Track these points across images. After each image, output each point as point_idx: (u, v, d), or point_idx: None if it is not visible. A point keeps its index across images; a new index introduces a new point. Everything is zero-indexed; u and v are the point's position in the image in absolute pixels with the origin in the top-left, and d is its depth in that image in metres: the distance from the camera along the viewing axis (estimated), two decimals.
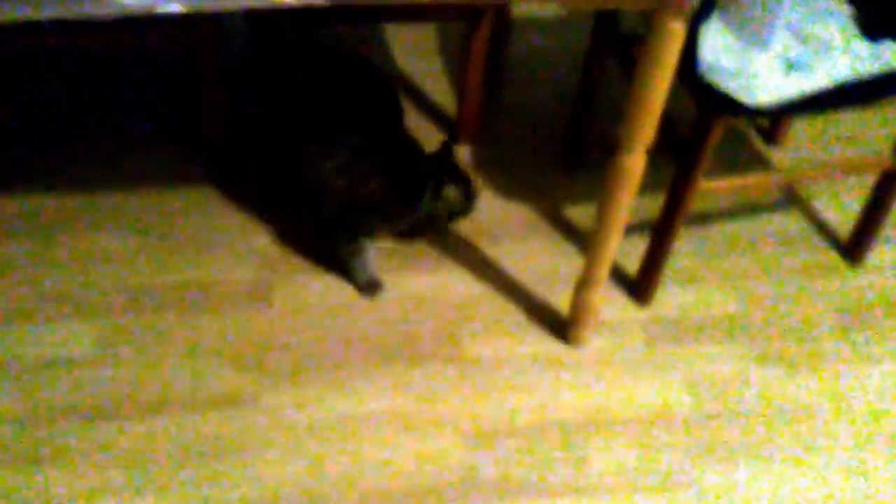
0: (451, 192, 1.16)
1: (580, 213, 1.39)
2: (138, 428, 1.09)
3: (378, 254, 1.28)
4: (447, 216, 1.20)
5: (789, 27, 1.13)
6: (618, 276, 1.31)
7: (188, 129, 1.46)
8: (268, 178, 1.39)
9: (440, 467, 1.09)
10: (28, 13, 0.74)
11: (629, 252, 1.32)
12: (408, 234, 1.30)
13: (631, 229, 1.35)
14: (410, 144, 1.21)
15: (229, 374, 1.15)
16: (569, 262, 1.32)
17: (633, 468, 1.10)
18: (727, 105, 1.04)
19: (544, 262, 1.32)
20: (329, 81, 1.22)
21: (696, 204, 1.31)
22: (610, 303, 1.27)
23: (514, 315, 1.25)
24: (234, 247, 1.30)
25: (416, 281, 1.28)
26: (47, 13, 0.74)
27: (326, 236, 1.26)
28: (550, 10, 1.73)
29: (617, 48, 1.26)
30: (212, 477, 1.06)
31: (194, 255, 1.28)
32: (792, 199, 1.45)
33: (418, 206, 1.15)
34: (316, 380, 1.16)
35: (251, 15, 1.38)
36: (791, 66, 1.08)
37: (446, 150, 1.19)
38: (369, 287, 1.24)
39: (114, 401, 1.12)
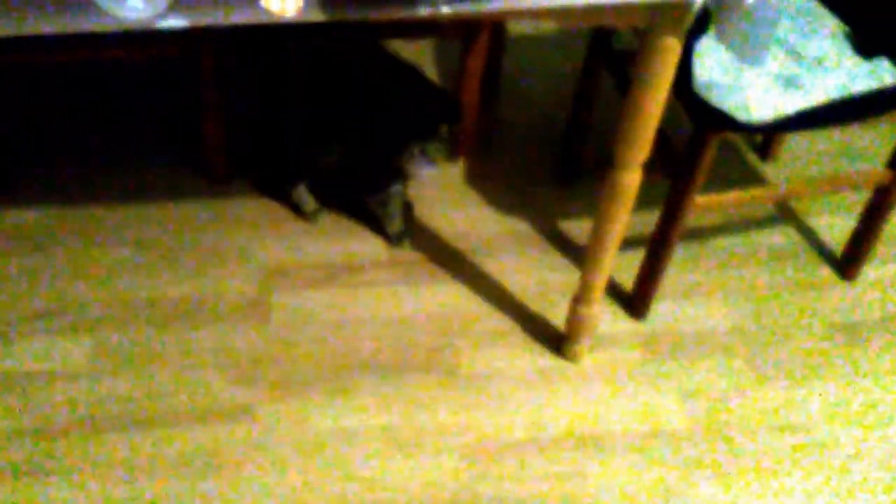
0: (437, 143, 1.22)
1: (576, 228, 1.39)
2: (134, 441, 1.09)
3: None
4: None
5: (784, 44, 1.14)
6: (614, 290, 1.31)
7: (188, 142, 1.46)
8: (272, 185, 1.39)
9: (435, 483, 1.08)
10: (28, 28, 0.74)
11: (625, 266, 1.32)
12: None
13: (627, 244, 1.35)
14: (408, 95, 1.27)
15: (225, 388, 1.15)
16: (565, 276, 1.32)
17: (630, 482, 1.10)
18: (722, 121, 1.05)
19: (540, 277, 1.32)
20: (334, 80, 1.27)
21: (691, 218, 1.31)
22: (606, 317, 1.27)
23: (509, 329, 1.25)
24: (232, 261, 1.30)
25: (412, 295, 1.28)
26: (47, 28, 0.75)
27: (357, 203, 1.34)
28: (546, 27, 1.75)
29: (612, 65, 1.28)
30: (206, 491, 1.05)
31: (192, 268, 1.28)
32: (786, 214, 1.46)
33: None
34: (312, 394, 1.15)
35: (250, 29, 1.39)
36: (786, 82, 1.10)
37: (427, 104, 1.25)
38: (400, 236, 1.32)
39: (110, 414, 1.11)
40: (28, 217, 1.33)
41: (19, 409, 1.11)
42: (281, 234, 1.34)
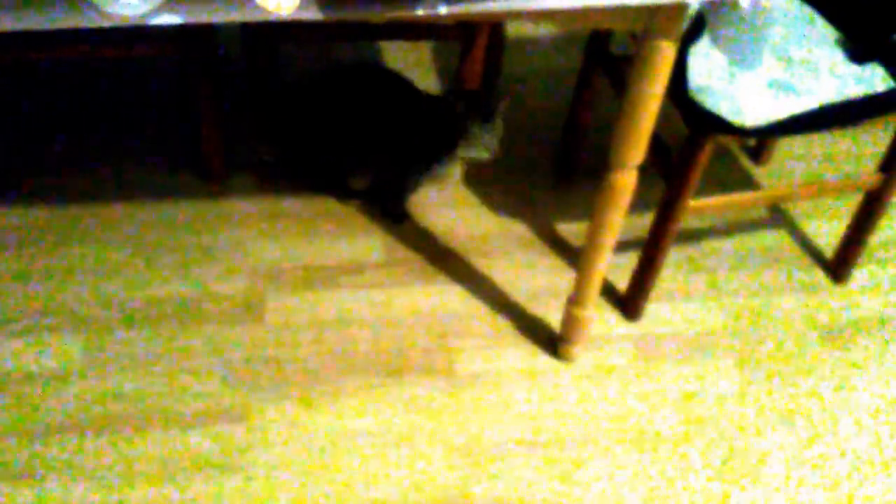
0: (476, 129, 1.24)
1: (571, 230, 1.40)
2: (127, 443, 1.08)
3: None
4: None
5: (777, 50, 1.15)
6: (608, 291, 1.32)
7: (185, 141, 1.46)
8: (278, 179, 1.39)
9: (430, 483, 1.08)
10: (22, 24, 0.74)
11: (619, 268, 1.33)
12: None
13: (621, 246, 1.36)
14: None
15: (219, 388, 1.14)
16: (560, 277, 1.33)
17: (623, 482, 1.10)
18: (716, 125, 1.06)
19: (536, 278, 1.32)
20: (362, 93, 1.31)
21: (685, 221, 1.32)
22: (600, 318, 1.28)
23: (505, 330, 1.25)
24: (227, 261, 1.30)
25: (408, 296, 1.28)
26: (41, 24, 0.74)
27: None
28: (544, 30, 1.76)
29: (608, 68, 1.29)
30: (199, 493, 1.05)
31: (186, 268, 1.28)
32: (778, 217, 1.47)
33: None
34: (305, 395, 1.15)
35: (246, 30, 1.39)
36: (779, 87, 1.11)
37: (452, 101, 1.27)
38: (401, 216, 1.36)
39: (102, 416, 1.11)
40: (21, 216, 1.32)
41: (10, 410, 1.10)
42: (277, 235, 1.34)
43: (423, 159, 1.29)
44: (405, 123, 1.29)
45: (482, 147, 1.24)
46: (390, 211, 1.37)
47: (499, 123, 1.25)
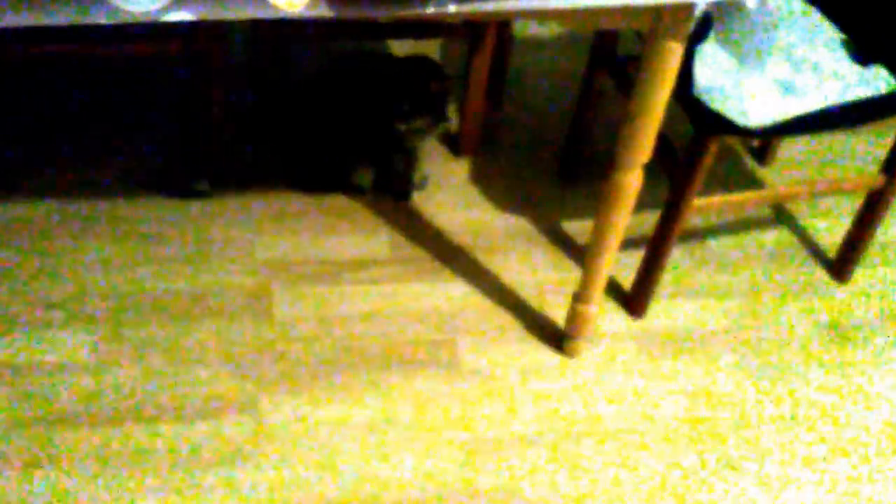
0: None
1: (577, 227, 1.41)
2: (136, 434, 1.09)
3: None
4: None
5: (783, 51, 1.16)
6: (613, 288, 1.33)
7: (191, 139, 1.47)
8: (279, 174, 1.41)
9: (436, 477, 1.09)
10: (33, 19, 0.74)
11: (624, 265, 1.34)
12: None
13: (626, 243, 1.37)
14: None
15: (227, 381, 1.16)
16: (565, 274, 1.34)
17: (626, 477, 1.11)
18: (721, 125, 1.07)
19: (541, 274, 1.34)
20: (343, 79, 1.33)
21: (690, 220, 1.33)
22: (605, 315, 1.29)
23: (510, 325, 1.26)
24: (234, 256, 1.31)
25: (414, 292, 1.29)
26: (52, 20, 0.75)
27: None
28: (550, 29, 1.77)
29: (614, 68, 1.29)
30: (208, 484, 1.06)
31: (194, 263, 1.29)
32: (782, 216, 1.48)
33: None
34: (313, 388, 1.16)
35: (255, 27, 1.40)
36: (784, 88, 1.11)
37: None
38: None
39: (111, 407, 1.12)
40: (32, 211, 1.34)
41: (21, 402, 1.11)
42: (284, 231, 1.35)
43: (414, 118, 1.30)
44: (393, 97, 1.29)
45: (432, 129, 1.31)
46: (396, 188, 1.38)
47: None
